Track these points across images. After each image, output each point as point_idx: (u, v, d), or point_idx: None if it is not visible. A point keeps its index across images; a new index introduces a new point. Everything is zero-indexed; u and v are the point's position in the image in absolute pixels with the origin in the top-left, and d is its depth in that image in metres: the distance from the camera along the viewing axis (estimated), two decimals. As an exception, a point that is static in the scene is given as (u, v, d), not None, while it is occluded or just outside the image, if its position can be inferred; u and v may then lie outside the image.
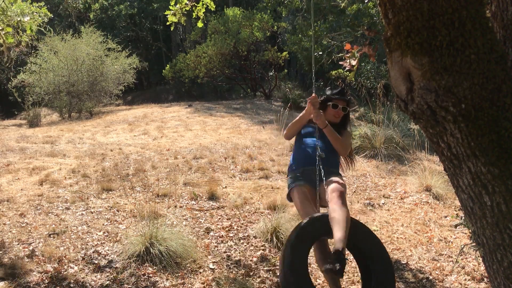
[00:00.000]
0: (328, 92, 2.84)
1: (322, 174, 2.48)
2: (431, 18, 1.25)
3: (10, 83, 13.64)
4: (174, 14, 3.82)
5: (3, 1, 4.05)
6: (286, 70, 19.15)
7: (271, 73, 17.04)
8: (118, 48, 14.65)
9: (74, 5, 21.64)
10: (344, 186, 2.43)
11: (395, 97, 1.45)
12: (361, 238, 2.25)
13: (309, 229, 2.23)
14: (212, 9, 4.09)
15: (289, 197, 2.71)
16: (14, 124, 12.46)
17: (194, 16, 4.05)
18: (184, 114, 11.16)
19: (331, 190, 2.36)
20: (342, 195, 2.34)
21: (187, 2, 3.78)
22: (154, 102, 16.98)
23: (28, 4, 4.42)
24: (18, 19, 4.22)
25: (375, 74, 12.57)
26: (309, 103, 2.65)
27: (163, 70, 17.38)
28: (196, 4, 3.96)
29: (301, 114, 2.75)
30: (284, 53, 15.31)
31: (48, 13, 4.67)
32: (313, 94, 2.67)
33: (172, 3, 3.82)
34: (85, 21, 19.78)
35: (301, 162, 2.67)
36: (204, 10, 4.05)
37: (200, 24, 4.13)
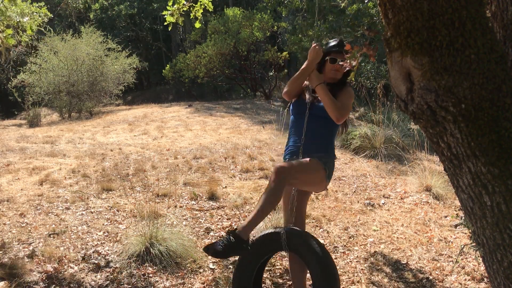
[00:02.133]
0: (327, 45, 2.45)
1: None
2: (431, 18, 1.25)
3: (10, 83, 13.64)
4: (172, 15, 3.82)
5: (2, 2, 4.05)
6: (286, 70, 19.14)
7: (271, 73, 17.03)
8: (118, 48, 14.64)
9: (74, 5, 21.64)
10: (295, 166, 2.24)
11: (395, 97, 1.45)
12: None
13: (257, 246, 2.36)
14: (210, 10, 4.08)
15: None
16: (14, 124, 12.46)
17: (192, 17, 4.05)
18: (184, 114, 11.16)
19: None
20: (277, 177, 2.15)
21: (185, 3, 3.77)
22: (154, 102, 16.97)
23: (28, 4, 4.42)
24: (18, 19, 4.22)
25: (375, 74, 12.56)
26: (313, 51, 2.32)
27: (163, 70, 17.37)
28: (194, 5, 3.95)
29: (302, 67, 2.38)
30: (284, 53, 15.30)
31: (48, 13, 4.66)
32: (314, 43, 2.35)
33: (170, 3, 3.81)
34: (85, 21, 19.78)
35: (287, 151, 2.48)
36: (202, 11, 4.05)
37: (198, 25, 4.12)
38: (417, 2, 1.25)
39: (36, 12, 4.49)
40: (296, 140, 2.41)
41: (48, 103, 13.75)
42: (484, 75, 1.26)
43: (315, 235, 3.66)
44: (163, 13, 3.93)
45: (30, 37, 4.71)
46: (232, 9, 15.50)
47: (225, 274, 3.02)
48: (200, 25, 4.15)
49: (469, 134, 1.30)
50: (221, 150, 6.52)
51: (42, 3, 4.86)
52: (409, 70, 1.34)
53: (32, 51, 13.81)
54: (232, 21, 14.67)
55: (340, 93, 2.36)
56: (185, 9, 3.82)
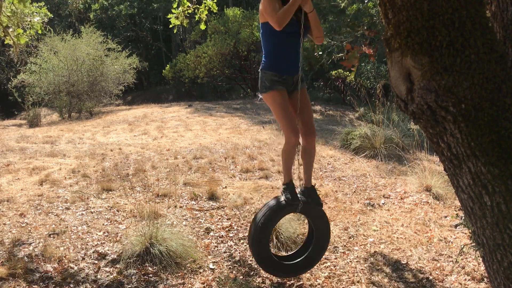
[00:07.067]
0: None
1: (299, 86, 2.72)
2: (431, 18, 1.25)
3: (10, 83, 13.64)
4: (177, 17, 3.83)
5: (12, 3, 4.08)
6: (286, 70, 19.11)
7: (271, 73, 17.00)
8: (118, 48, 14.64)
9: (74, 5, 21.65)
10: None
11: (395, 97, 1.45)
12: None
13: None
14: (215, 11, 4.10)
15: (265, 98, 2.78)
16: (14, 124, 12.46)
17: (196, 19, 4.06)
18: (184, 114, 11.16)
19: (309, 131, 2.76)
20: (314, 136, 2.79)
21: (190, 5, 3.78)
22: (154, 102, 16.97)
23: (28, 4, 4.42)
24: (29, 19, 4.26)
25: (375, 74, 12.56)
26: None
27: (163, 70, 17.39)
28: (198, 6, 3.96)
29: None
30: (284, 53, 15.28)
31: (48, 13, 4.67)
32: None
33: (175, 6, 3.82)
34: (85, 21, 19.77)
35: (282, 69, 2.69)
36: (207, 12, 4.06)
37: (203, 27, 4.14)
38: (417, 2, 1.25)
39: (36, 12, 4.49)
40: (291, 59, 2.68)
41: (48, 103, 13.75)
42: (484, 75, 1.26)
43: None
44: (168, 16, 3.94)
45: (30, 37, 4.72)
46: (232, 9, 15.51)
47: (225, 274, 3.02)
48: (205, 26, 4.17)
49: (469, 134, 1.30)
50: (221, 150, 6.52)
51: (42, 3, 4.87)
52: (409, 70, 1.34)
53: (32, 51, 13.80)
54: (232, 21, 14.67)
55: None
56: (190, 11, 3.83)
